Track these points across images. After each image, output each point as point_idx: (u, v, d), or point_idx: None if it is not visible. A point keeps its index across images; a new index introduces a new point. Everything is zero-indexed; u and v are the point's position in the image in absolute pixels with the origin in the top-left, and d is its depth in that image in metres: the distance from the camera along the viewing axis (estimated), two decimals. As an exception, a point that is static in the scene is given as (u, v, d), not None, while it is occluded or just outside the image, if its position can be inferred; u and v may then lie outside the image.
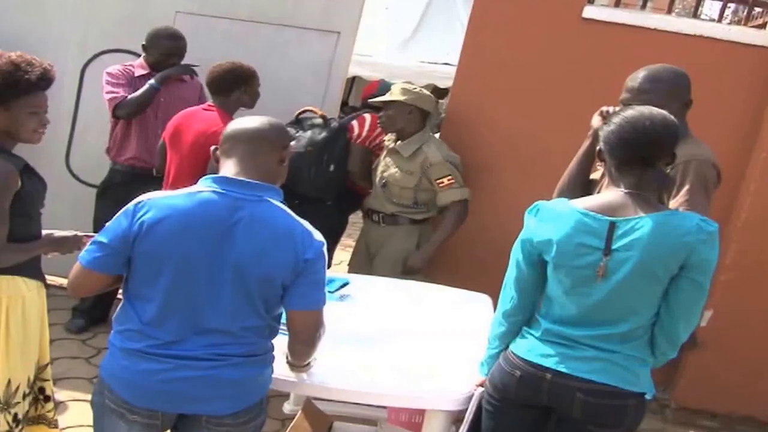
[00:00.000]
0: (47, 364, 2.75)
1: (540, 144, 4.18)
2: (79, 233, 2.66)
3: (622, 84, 3.95)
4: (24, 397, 2.59)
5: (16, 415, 2.58)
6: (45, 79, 2.47)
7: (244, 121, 2.16)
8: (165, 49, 4.06)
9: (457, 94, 4.38)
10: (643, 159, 2.10)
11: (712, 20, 4.49)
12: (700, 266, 2.04)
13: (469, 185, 3.92)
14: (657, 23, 4.08)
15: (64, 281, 4.48)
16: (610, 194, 2.14)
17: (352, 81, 9.09)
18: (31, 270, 2.58)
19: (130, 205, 2.04)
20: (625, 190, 2.12)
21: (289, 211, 2.07)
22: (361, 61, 7.78)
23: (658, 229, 2.03)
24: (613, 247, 2.06)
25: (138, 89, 4.05)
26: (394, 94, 3.86)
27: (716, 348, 4.07)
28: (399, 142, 3.92)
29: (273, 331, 2.13)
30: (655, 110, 2.14)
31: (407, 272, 3.80)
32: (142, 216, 1.99)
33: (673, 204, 2.42)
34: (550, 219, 2.17)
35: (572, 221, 2.11)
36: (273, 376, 2.17)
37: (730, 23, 4.53)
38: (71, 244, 2.63)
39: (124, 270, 2.05)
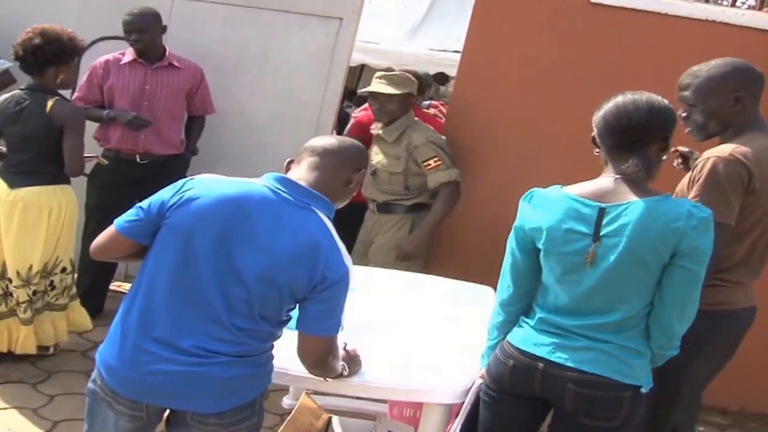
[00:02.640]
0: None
1: (547, 132, 4.11)
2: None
3: (632, 70, 3.91)
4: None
5: (35, 291, 3.56)
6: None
7: (327, 137, 2.19)
8: (124, 25, 4.06)
9: (462, 81, 4.30)
10: (630, 144, 2.08)
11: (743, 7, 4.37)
12: (691, 253, 1.99)
13: (475, 174, 3.88)
14: (667, 8, 3.99)
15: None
16: (602, 180, 2.12)
17: (361, 69, 8.99)
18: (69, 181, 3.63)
19: (182, 180, 2.04)
20: (616, 176, 2.09)
21: (329, 226, 2.01)
22: (369, 49, 7.69)
23: (647, 215, 1.99)
24: (602, 233, 2.03)
25: (125, 76, 4.09)
26: (379, 86, 3.88)
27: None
28: (383, 128, 3.94)
29: (271, 336, 2.06)
30: (645, 95, 2.11)
31: (401, 258, 3.81)
32: (186, 191, 1.99)
33: None
34: (542, 205, 2.14)
35: (563, 207, 2.09)
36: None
37: (748, 8, 4.42)
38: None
39: (149, 241, 2.02)
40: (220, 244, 1.93)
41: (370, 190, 4.01)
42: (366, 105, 4.96)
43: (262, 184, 2.02)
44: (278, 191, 1.99)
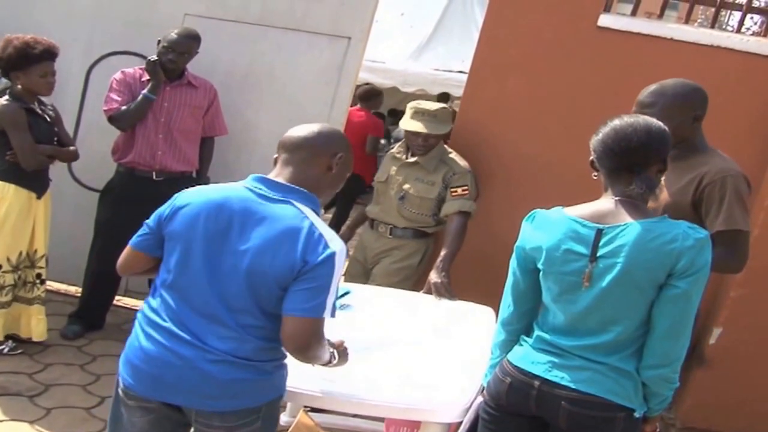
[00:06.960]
0: (43, 256, 3.82)
1: (552, 153, 4.11)
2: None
3: (637, 93, 3.90)
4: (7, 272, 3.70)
5: None
6: (49, 53, 3.65)
7: (296, 129, 2.20)
8: (168, 42, 4.02)
9: (468, 102, 4.31)
10: (629, 166, 2.11)
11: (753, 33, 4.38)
12: (687, 275, 1.99)
13: (479, 194, 3.88)
14: (673, 33, 4.00)
15: (61, 287, 4.51)
16: (603, 202, 2.15)
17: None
18: (25, 182, 3.67)
19: (176, 194, 2.17)
20: (615, 198, 2.12)
21: (311, 215, 2.05)
22: (374, 68, 7.73)
23: (643, 236, 2.01)
24: (599, 254, 2.05)
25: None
26: (423, 125, 3.81)
27: (724, 366, 3.98)
28: (418, 156, 3.89)
29: (274, 335, 2.05)
30: (642, 118, 2.15)
31: (436, 293, 3.49)
32: (175, 201, 2.12)
33: (711, 220, 2.53)
34: (543, 226, 2.17)
35: (563, 228, 2.12)
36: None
37: (753, 34, 4.44)
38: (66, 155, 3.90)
39: (161, 252, 2.15)
40: (210, 246, 2.04)
41: (392, 215, 3.93)
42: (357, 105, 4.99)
43: (242, 185, 2.11)
44: (257, 190, 2.08)
